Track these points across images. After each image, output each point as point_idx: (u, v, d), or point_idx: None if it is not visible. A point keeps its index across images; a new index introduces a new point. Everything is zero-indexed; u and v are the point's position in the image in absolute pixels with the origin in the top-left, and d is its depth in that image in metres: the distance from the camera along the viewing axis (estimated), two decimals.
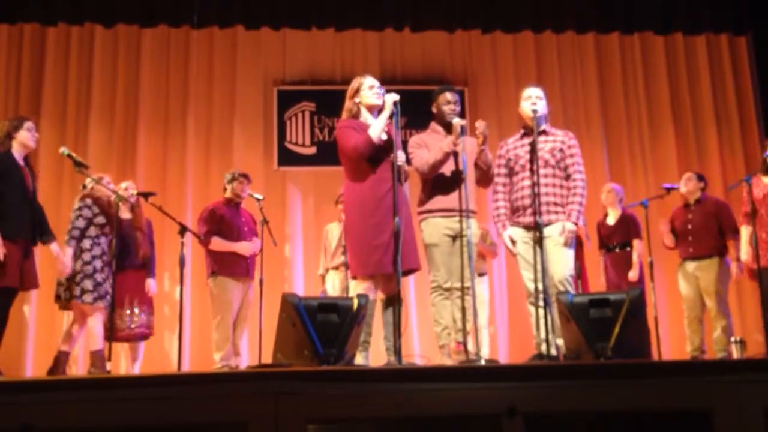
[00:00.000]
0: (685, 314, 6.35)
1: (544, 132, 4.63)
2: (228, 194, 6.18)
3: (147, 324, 5.86)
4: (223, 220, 5.99)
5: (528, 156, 4.55)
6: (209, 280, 5.97)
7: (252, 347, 7.03)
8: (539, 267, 4.40)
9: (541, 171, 4.50)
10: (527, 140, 4.61)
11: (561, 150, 4.57)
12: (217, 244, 5.90)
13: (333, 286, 6.64)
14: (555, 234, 4.48)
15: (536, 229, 4.39)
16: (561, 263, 4.46)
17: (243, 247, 5.96)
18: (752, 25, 8.21)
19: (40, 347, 7.04)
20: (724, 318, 6.07)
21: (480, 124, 4.47)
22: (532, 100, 4.61)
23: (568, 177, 4.58)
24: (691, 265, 6.23)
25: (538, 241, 4.42)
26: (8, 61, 7.67)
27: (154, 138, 7.74)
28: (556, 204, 4.52)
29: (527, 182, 4.54)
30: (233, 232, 6.01)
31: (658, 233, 6.72)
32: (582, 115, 8.20)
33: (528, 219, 4.51)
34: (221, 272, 5.92)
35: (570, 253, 4.50)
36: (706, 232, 6.16)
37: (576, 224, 4.49)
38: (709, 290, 6.11)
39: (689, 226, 6.24)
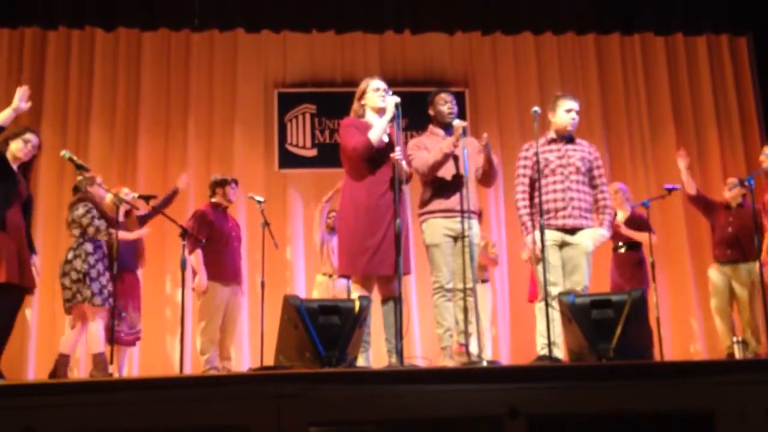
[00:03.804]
0: (713, 313, 6.37)
1: (572, 140, 4.75)
2: (216, 199, 6.15)
3: (139, 329, 5.94)
4: (213, 226, 5.97)
5: (559, 161, 4.62)
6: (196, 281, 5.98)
7: (254, 349, 7.04)
8: (558, 271, 4.50)
9: (573, 177, 4.62)
10: (555, 146, 4.69)
11: (589, 161, 4.72)
12: (195, 260, 5.88)
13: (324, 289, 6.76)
14: (582, 242, 4.56)
15: (542, 232, 4.39)
16: (583, 272, 4.55)
17: (200, 284, 5.89)
18: (752, 25, 8.21)
19: (41, 350, 7.05)
20: (755, 321, 6.12)
21: (482, 142, 4.50)
22: (573, 115, 4.71)
23: (594, 187, 4.75)
24: (726, 269, 6.26)
25: (561, 246, 4.54)
26: (9, 65, 7.67)
27: (154, 141, 7.75)
28: (586, 210, 4.64)
29: (559, 186, 4.59)
30: (223, 237, 6.00)
31: (660, 235, 6.73)
32: (583, 116, 8.05)
33: (559, 222, 4.55)
34: (210, 277, 5.92)
35: (590, 262, 4.62)
36: (746, 237, 6.20)
37: (608, 233, 4.68)
38: (741, 296, 6.19)
39: (729, 229, 6.26)
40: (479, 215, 7.09)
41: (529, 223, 4.64)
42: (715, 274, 6.34)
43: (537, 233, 4.52)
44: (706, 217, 6.52)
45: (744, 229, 6.19)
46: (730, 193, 6.40)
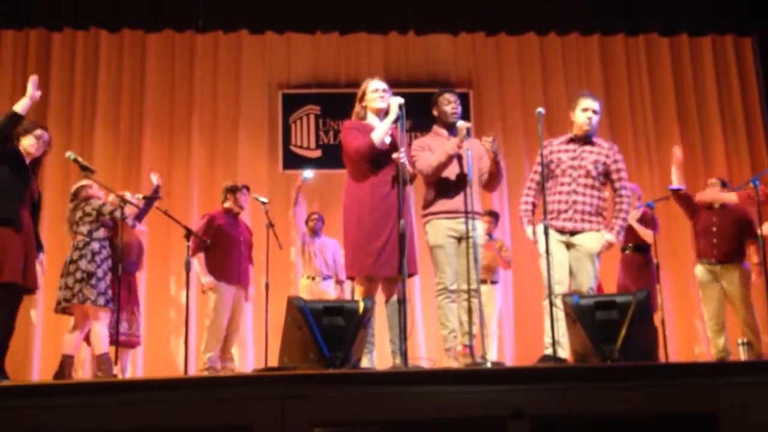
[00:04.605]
0: (706, 318, 6.29)
1: (590, 142, 4.67)
2: (228, 204, 6.21)
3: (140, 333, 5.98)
4: (221, 230, 6.03)
5: (570, 162, 4.58)
6: (204, 280, 6.05)
7: (258, 350, 7.05)
8: (562, 271, 4.44)
9: (581, 180, 4.56)
10: (572, 146, 4.64)
11: (604, 163, 4.62)
12: (197, 262, 5.94)
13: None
14: (586, 243, 4.50)
15: (546, 233, 4.36)
16: (588, 273, 4.49)
17: (207, 282, 5.99)
18: (757, 26, 8.20)
19: (46, 351, 7.06)
20: (753, 320, 6.10)
21: (486, 143, 4.44)
22: (589, 114, 4.64)
23: (613, 190, 4.66)
24: (713, 270, 6.21)
25: (566, 247, 4.50)
26: (14, 66, 7.70)
27: (159, 142, 7.77)
28: (590, 214, 4.55)
29: (565, 188, 4.56)
30: (230, 241, 6.05)
31: (665, 236, 6.70)
32: None
33: (559, 224, 4.51)
34: (216, 277, 5.99)
35: (596, 264, 4.54)
36: (731, 236, 6.18)
37: (616, 238, 4.56)
38: (734, 296, 6.11)
39: (714, 229, 6.24)
40: (496, 218, 7.14)
41: (525, 219, 4.66)
42: (703, 274, 6.29)
43: (538, 227, 4.56)
44: (688, 217, 6.48)
45: (729, 229, 6.18)
46: (712, 194, 6.37)
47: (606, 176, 4.64)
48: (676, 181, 6.23)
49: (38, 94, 4.38)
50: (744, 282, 6.11)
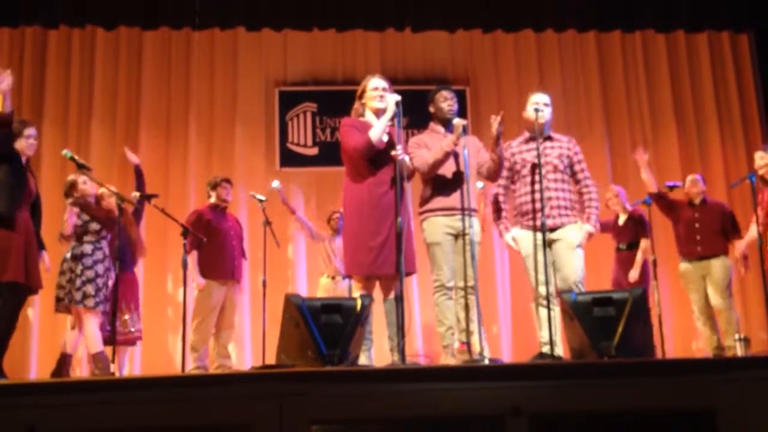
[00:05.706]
0: (696, 316, 6.33)
1: (549, 138, 4.68)
2: (213, 200, 6.22)
3: (140, 328, 5.94)
4: (210, 225, 6.03)
5: (535, 160, 4.57)
6: (194, 283, 6.05)
7: (256, 348, 7.05)
8: (549, 270, 4.43)
9: (551, 176, 4.57)
10: (533, 145, 4.64)
11: (568, 156, 4.65)
12: (191, 261, 5.92)
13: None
14: (567, 237, 4.51)
15: (543, 231, 4.37)
16: (573, 266, 4.49)
17: (199, 284, 5.98)
18: (753, 22, 8.21)
19: (43, 350, 7.05)
20: (733, 315, 6.12)
21: (494, 121, 4.43)
22: (539, 107, 4.63)
23: (577, 182, 4.70)
24: (697, 265, 6.23)
25: (549, 244, 4.48)
26: (10, 64, 7.64)
27: (156, 140, 7.75)
28: (565, 207, 4.57)
29: (536, 186, 4.55)
30: (220, 235, 6.06)
31: (662, 232, 6.71)
32: (584, 113, 8.20)
33: (537, 222, 4.51)
34: (206, 275, 5.98)
35: (581, 256, 4.54)
36: (714, 232, 6.23)
37: (594, 227, 4.59)
38: (717, 289, 6.13)
39: (697, 225, 6.27)
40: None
41: (502, 226, 4.71)
42: (688, 270, 6.31)
43: (515, 230, 4.62)
44: (667, 216, 6.51)
45: (711, 224, 6.23)
46: (694, 190, 6.38)
47: (570, 168, 4.67)
48: (653, 185, 6.28)
49: (4, 86, 4.17)
50: (726, 275, 6.15)
